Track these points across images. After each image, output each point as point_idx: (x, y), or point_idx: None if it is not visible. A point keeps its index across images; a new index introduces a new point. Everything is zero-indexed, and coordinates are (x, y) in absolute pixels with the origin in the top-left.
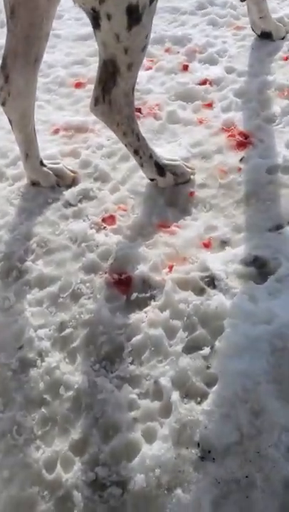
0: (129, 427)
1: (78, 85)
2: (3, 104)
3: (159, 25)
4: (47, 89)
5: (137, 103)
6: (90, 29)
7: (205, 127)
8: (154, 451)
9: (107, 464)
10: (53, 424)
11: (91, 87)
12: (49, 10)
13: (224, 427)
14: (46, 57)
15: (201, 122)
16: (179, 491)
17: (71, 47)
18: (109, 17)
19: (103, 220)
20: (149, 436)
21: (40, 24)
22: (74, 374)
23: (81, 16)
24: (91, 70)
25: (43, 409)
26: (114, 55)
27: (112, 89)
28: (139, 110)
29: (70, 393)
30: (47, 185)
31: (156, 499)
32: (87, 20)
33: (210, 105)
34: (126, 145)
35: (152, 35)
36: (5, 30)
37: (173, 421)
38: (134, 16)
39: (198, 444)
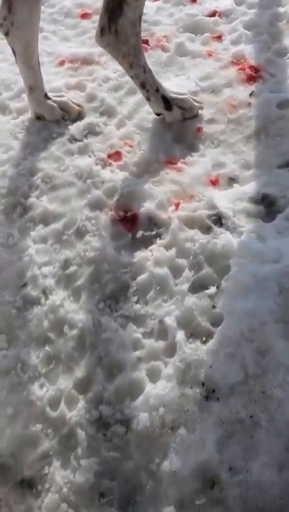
0: (134, 366)
1: (84, 16)
2: (7, 35)
3: None
4: (52, 19)
5: (144, 34)
6: None
7: (214, 60)
8: (158, 390)
9: (111, 402)
10: (57, 363)
11: (97, 17)
12: None
13: (229, 367)
14: None
15: (210, 55)
16: (182, 431)
17: None
18: None
19: (109, 156)
20: (153, 376)
21: None
22: (78, 312)
23: None
24: (97, 1)
25: (47, 348)
26: None
27: (118, 19)
28: (146, 42)
29: (75, 332)
30: (52, 119)
31: (159, 438)
32: None
33: (219, 38)
34: (132, 77)
35: None
36: None
37: (177, 360)
38: None
39: (203, 384)
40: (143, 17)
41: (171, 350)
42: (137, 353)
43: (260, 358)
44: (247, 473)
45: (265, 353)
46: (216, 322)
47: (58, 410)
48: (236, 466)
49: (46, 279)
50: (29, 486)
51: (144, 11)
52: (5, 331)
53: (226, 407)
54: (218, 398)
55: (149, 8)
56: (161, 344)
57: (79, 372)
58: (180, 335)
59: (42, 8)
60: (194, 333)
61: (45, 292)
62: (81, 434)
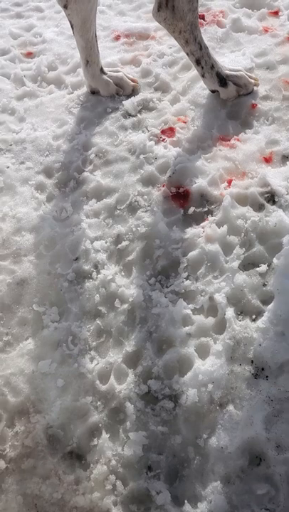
0: (183, 342)
1: None
2: (66, 7)
3: None
4: None
5: (200, 10)
6: None
7: (270, 36)
8: (207, 366)
9: (159, 377)
10: (107, 336)
11: None
12: None
13: (279, 345)
14: None
15: (266, 31)
16: (231, 407)
17: None
18: None
19: (162, 131)
20: (203, 352)
21: None
22: (129, 287)
23: None
24: None
25: (97, 321)
26: None
27: None
28: (202, 17)
29: (125, 306)
30: (106, 94)
31: (208, 414)
32: None
33: (276, 13)
34: (188, 54)
35: None
36: None
37: (227, 337)
38: None
39: (252, 362)
40: None
41: (221, 327)
42: (187, 329)
43: None
44: None
45: None
46: (266, 300)
47: (107, 383)
48: (284, 444)
49: (98, 254)
50: (78, 457)
51: None
52: (57, 304)
53: (274, 385)
54: (267, 376)
55: None
56: (210, 321)
57: (129, 346)
58: (230, 312)
59: None
60: (244, 310)
61: (97, 266)
62: (130, 407)
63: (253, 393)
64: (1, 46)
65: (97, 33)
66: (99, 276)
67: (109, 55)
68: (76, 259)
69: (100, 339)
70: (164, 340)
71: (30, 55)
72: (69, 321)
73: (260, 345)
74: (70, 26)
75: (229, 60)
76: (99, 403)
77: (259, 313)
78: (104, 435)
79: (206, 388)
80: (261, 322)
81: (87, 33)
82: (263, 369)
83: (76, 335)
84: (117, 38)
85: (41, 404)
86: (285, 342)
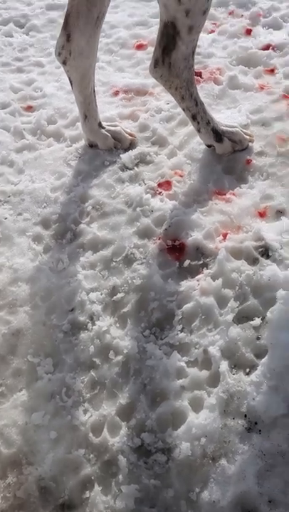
0: (177, 395)
1: (139, 47)
2: (65, 63)
3: None
4: (108, 50)
5: (197, 67)
6: None
7: (266, 93)
8: (200, 420)
9: (153, 430)
10: (101, 388)
11: (152, 49)
12: None
13: (272, 399)
14: (109, 17)
15: (262, 88)
16: (223, 461)
17: (134, 7)
18: None
19: (159, 185)
20: (196, 405)
21: None
22: (124, 339)
23: None
24: (153, 32)
25: (92, 373)
26: (175, 18)
27: (172, 52)
28: (199, 74)
29: (120, 358)
30: (104, 148)
31: (200, 468)
32: None
33: (272, 71)
34: (184, 109)
35: None
36: None
37: (221, 391)
38: None
39: (245, 415)
40: (197, 49)
41: (215, 380)
42: (181, 382)
43: None
44: (287, 507)
45: None
46: (260, 354)
47: (100, 436)
48: (276, 499)
49: (94, 305)
50: (70, 509)
51: (199, 43)
52: (51, 355)
53: (267, 439)
54: (259, 430)
55: (203, 40)
56: (204, 373)
57: (122, 398)
58: (224, 365)
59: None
60: (238, 363)
61: (92, 318)
62: (123, 460)
63: (246, 447)
64: (2, 100)
65: (96, 88)
66: (94, 327)
67: (107, 109)
68: (72, 310)
69: (93, 391)
70: (158, 393)
71: (30, 108)
72: (63, 373)
73: (253, 399)
74: (69, 82)
75: (225, 117)
76: (92, 456)
77: (253, 367)
78: (97, 488)
79: (199, 442)
80: (255, 376)
81: (86, 89)
82: (256, 423)
83: (70, 386)
84: (116, 93)
85: (34, 456)
86: (278, 396)
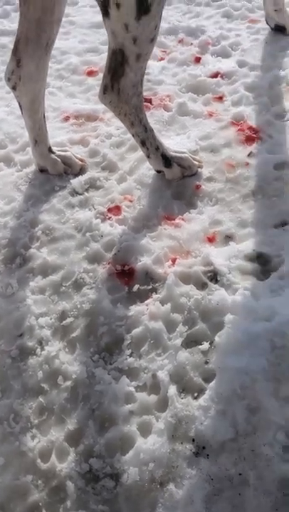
0: (125, 420)
1: (90, 73)
2: (14, 89)
3: (174, 16)
4: (59, 75)
5: (147, 93)
6: None
7: (215, 120)
8: (148, 445)
9: (101, 455)
10: (49, 414)
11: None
12: None
13: (220, 424)
14: (60, 43)
15: (210, 115)
16: (171, 486)
17: (85, 34)
18: (118, 5)
19: (109, 210)
20: (145, 430)
21: (52, 8)
22: (73, 364)
23: (96, 4)
24: (104, 59)
25: (40, 398)
26: (122, 45)
27: (120, 79)
28: (149, 101)
29: (68, 383)
30: (55, 173)
31: (148, 493)
32: None
33: (221, 98)
34: (133, 135)
35: (166, 26)
36: (18, 15)
37: (169, 415)
38: (144, 6)
39: (193, 440)
40: (147, 76)
41: (163, 404)
42: (129, 407)
43: (251, 416)
44: None
45: (256, 411)
46: (208, 378)
47: (48, 462)
48: None
49: (43, 330)
50: None
51: (149, 70)
52: None
53: (215, 463)
54: (207, 455)
55: (153, 68)
56: (153, 398)
57: (71, 424)
58: (172, 389)
59: (49, 64)
60: (186, 388)
61: (41, 343)
62: (71, 486)
63: (194, 472)
64: None
65: (46, 114)
66: (43, 352)
67: (58, 135)
68: (20, 335)
69: (41, 417)
70: (107, 418)
71: None
72: (11, 399)
73: (201, 423)
74: (19, 106)
75: (175, 143)
76: (39, 482)
77: (201, 391)
78: None
79: (147, 467)
80: (203, 400)
81: (36, 114)
82: (204, 447)
83: (18, 412)
84: (67, 118)
85: None
86: (226, 420)
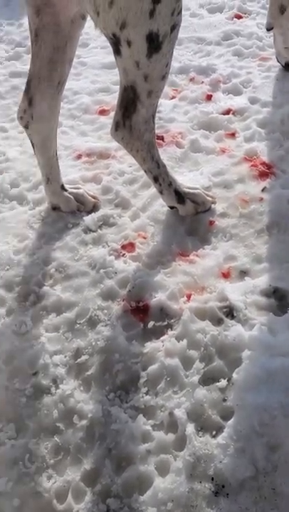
0: (143, 459)
1: (102, 112)
2: (26, 127)
3: (185, 55)
4: (71, 115)
5: (159, 131)
6: None
7: (227, 156)
8: (166, 484)
9: (118, 495)
10: (65, 454)
11: None
12: (72, 34)
13: (239, 462)
14: (71, 84)
15: (223, 151)
16: None
17: (96, 74)
18: (129, 43)
19: (123, 246)
20: (163, 469)
21: (64, 48)
22: (88, 403)
23: (107, 45)
24: (115, 98)
25: (55, 438)
26: (134, 82)
27: (132, 115)
28: (161, 138)
29: (84, 422)
30: (67, 210)
31: None
32: None
33: (233, 135)
34: (145, 171)
35: (177, 65)
36: (30, 57)
37: (187, 454)
38: (155, 44)
39: (212, 479)
40: (159, 114)
41: (181, 443)
42: (146, 446)
43: (271, 453)
44: None
45: (276, 448)
46: (226, 416)
47: (64, 503)
48: None
49: (57, 368)
50: None
51: (160, 108)
52: (14, 420)
53: (235, 503)
54: (227, 494)
55: (165, 106)
56: (170, 437)
57: (87, 464)
58: (190, 428)
59: (61, 104)
60: (204, 426)
61: (56, 381)
62: None
63: (214, 511)
64: None
65: (59, 152)
66: (58, 391)
67: (70, 172)
68: (35, 373)
69: (57, 456)
70: (124, 458)
71: None
72: (26, 438)
73: (220, 461)
74: (31, 145)
75: (187, 179)
76: None
77: (219, 429)
78: None
79: (165, 507)
80: (222, 438)
81: (48, 152)
82: (223, 486)
83: (33, 452)
84: (79, 156)
85: None
86: (245, 458)
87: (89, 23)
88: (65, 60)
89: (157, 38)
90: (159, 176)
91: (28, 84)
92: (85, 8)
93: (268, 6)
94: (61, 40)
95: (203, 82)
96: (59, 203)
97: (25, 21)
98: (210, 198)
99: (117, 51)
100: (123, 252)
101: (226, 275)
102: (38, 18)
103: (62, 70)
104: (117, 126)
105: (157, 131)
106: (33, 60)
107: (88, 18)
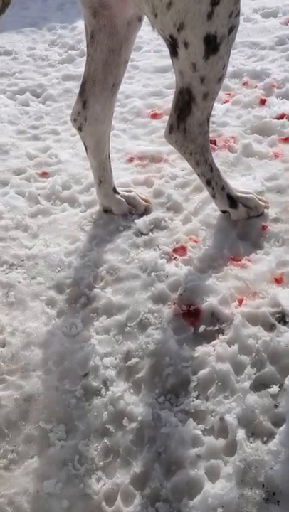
0: (192, 464)
1: (154, 116)
2: (80, 130)
3: (238, 59)
4: (123, 118)
5: (212, 135)
6: (168, 61)
7: (281, 161)
8: (216, 489)
9: (168, 500)
10: (114, 456)
11: (167, 118)
12: (128, 36)
13: None
14: (124, 87)
15: (276, 156)
16: None
17: (149, 78)
18: (186, 45)
19: (174, 250)
20: (213, 474)
21: (119, 50)
22: (138, 405)
23: (160, 49)
24: (168, 102)
25: (105, 440)
26: (190, 84)
27: (187, 118)
28: (214, 142)
29: (134, 425)
30: (119, 213)
31: None
32: (165, 52)
33: (287, 140)
34: (198, 175)
35: (231, 69)
36: (82, 60)
37: (237, 460)
38: (212, 46)
39: (263, 485)
40: (212, 118)
41: (232, 448)
42: (196, 450)
43: None
44: None
45: None
46: (278, 422)
47: (113, 505)
48: None
49: (107, 370)
50: None
51: (213, 112)
52: (64, 421)
53: (286, 510)
54: (278, 501)
55: (217, 110)
56: (221, 442)
57: (137, 467)
58: (241, 433)
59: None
60: (255, 432)
61: (106, 383)
62: None
63: None
64: (18, 166)
65: (111, 155)
66: (107, 393)
67: (122, 176)
68: (85, 375)
69: (107, 459)
70: (173, 461)
71: (45, 174)
72: (76, 439)
73: (271, 468)
74: (84, 148)
75: (240, 184)
76: None
77: (271, 435)
78: None
79: None
80: (273, 444)
81: (101, 154)
82: (274, 493)
83: (83, 454)
84: (131, 160)
85: None
86: None
87: (143, 26)
88: (120, 63)
89: (215, 39)
90: (212, 180)
91: (83, 86)
92: (142, 10)
93: None
94: (117, 43)
95: (256, 86)
96: (111, 205)
97: (78, 25)
98: (263, 203)
99: (173, 53)
100: (175, 255)
101: (278, 281)
102: (94, 19)
103: (117, 72)
104: (171, 128)
105: (210, 135)
106: (88, 63)
107: (144, 20)
